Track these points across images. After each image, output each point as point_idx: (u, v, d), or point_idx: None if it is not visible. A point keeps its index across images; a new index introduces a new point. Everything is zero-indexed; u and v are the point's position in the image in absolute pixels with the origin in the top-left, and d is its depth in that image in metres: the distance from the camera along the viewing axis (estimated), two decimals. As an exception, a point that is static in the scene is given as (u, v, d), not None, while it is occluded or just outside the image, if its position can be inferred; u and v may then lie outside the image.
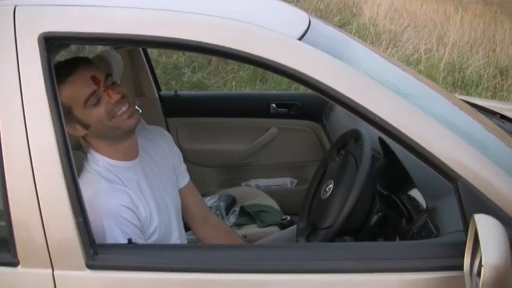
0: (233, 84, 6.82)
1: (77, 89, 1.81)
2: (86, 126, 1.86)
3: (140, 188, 1.96)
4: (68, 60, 1.91)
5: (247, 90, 6.76)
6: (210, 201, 3.15)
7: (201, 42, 1.58)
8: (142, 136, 2.06)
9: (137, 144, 2.03)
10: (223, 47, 1.58)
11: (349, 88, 1.58)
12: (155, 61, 6.21)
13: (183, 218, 2.23)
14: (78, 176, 1.69)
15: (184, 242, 2.22)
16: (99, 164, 1.93)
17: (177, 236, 2.11)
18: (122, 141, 1.94)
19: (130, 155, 1.99)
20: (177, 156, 2.25)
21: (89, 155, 1.96)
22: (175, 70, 7.00)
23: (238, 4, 2.07)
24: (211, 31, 1.61)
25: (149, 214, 1.94)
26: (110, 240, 1.78)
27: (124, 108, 1.87)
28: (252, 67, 6.72)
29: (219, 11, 1.75)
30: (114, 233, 1.80)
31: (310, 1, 10.72)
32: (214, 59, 7.14)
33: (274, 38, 1.64)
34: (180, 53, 7.15)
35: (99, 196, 1.83)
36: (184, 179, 2.28)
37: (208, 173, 3.73)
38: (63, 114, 1.59)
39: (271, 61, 1.56)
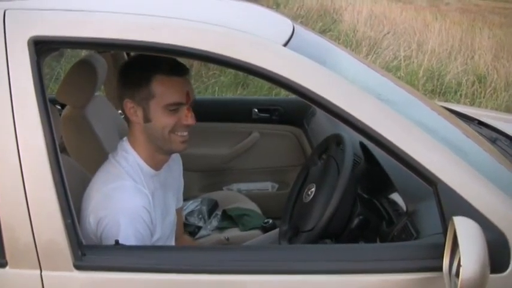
0: (215, 89, 6.82)
1: (172, 90, 1.89)
2: (147, 119, 1.92)
3: (154, 198, 1.99)
4: (178, 61, 1.95)
5: (228, 95, 6.76)
6: (192, 205, 3.16)
7: (186, 47, 1.61)
8: None
9: (167, 161, 2.09)
10: (210, 52, 1.60)
11: (333, 93, 1.61)
12: (137, 65, 6.17)
13: None
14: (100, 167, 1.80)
15: None
16: (129, 162, 1.96)
17: None
18: (161, 153, 2.01)
19: (158, 166, 2.05)
20: (182, 181, 2.37)
21: (120, 150, 1.99)
22: (157, 75, 6.97)
23: (223, 10, 2.10)
24: (198, 36, 1.64)
25: (156, 224, 1.98)
26: (120, 237, 1.80)
27: (185, 134, 1.96)
28: (233, 72, 6.74)
29: (204, 17, 1.78)
30: (129, 232, 1.83)
31: (291, 7, 10.78)
32: (196, 64, 7.14)
33: (261, 43, 1.68)
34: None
35: (123, 193, 1.88)
36: (180, 202, 2.38)
37: (190, 177, 3.69)
38: (54, 114, 1.61)
39: (258, 67, 1.59)
